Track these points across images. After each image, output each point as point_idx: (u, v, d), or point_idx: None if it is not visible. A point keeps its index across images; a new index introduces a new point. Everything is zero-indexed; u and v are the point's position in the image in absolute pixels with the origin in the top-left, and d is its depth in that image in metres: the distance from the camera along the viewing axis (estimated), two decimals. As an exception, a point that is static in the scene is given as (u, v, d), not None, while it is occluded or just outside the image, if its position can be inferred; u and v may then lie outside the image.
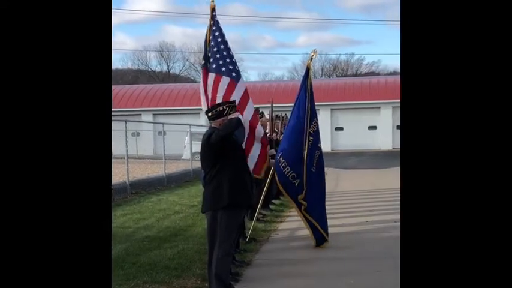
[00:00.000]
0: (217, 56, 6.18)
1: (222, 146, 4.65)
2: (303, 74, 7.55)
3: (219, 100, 5.81)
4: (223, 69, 6.14)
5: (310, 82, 7.01)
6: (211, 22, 6.28)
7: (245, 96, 6.24)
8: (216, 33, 6.24)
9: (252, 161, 6.31)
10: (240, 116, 4.87)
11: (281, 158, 6.83)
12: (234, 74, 6.17)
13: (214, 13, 6.29)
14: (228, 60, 6.19)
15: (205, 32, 6.36)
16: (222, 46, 6.22)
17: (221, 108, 4.83)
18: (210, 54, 6.17)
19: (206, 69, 6.16)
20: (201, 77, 6.30)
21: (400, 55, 2.78)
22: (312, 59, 7.21)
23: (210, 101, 5.97)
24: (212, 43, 6.20)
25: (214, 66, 6.11)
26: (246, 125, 6.10)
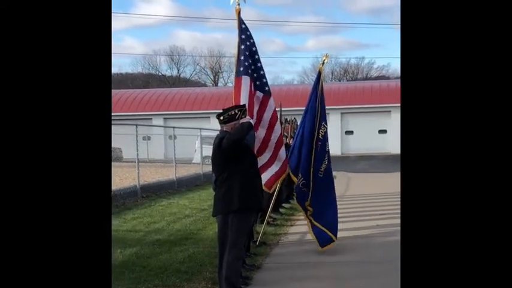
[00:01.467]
0: (250, 61, 6.24)
1: (234, 150, 4.67)
2: (313, 78, 7.55)
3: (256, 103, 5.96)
4: (255, 75, 6.24)
5: (322, 86, 7.01)
6: (242, 26, 6.29)
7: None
8: (248, 42, 6.27)
9: (269, 173, 6.40)
10: (251, 120, 4.90)
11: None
12: (249, 71, 6.23)
13: (240, 17, 6.29)
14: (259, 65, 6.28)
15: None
16: (253, 49, 6.29)
17: (233, 112, 4.85)
18: (242, 58, 6.20)
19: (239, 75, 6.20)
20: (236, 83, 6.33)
21: (400, 59, 2.79)
22: (323, 63, 7.20)
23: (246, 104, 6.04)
24: (243, 47, 6.24)
25: (241, 69, 6.18)
26: (266, 125, 6.21)
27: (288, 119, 10.84)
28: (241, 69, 6.12)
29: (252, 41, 6.28)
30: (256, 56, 6.30)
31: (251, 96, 6.05)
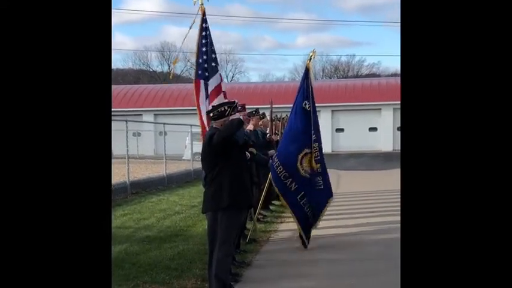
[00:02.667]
0: (199, 61, 6.26)
1: (224, 146, 4.64)
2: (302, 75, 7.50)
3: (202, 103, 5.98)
4: (200, 72, 6.27)
5: (311, 82, 6.98)
6: (204, 25, 6.27)
7: (217, 89, 6.31)
8: (205, 46, 6.27)
9: None
10: (241, 116, 4.88)
11: (275, 157, 6.84)
12: (206, 74, 6.24)
13: (205, 17, 6.26)
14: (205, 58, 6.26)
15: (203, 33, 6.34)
16: (206, 49, 6.28)
17: (223, 109, 4.82)
18: (200, 61, 6.24)
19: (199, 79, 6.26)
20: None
21: (400, 56, 2.78)
22: (311, 59, 7.18)
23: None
24: (204, 49, 6.24)
25: (200, 72, 6.23)
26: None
27: (279, 116, 10.82)
28: (200, 72, 6.17)
29: (209, 40, 6.27)
30: (213, 55, 6.31)
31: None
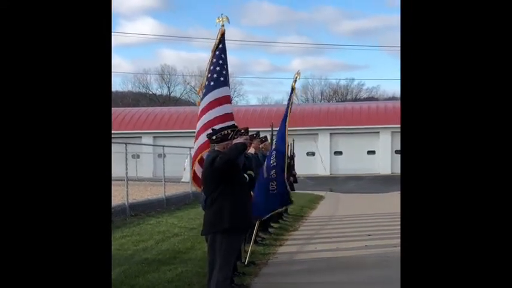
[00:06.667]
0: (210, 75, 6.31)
1: (227, 169, 4.68)
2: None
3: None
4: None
5: (291, 102, 7.32)
6: (219, 46, 6.32)
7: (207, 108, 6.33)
8: (216, 60, 6.31)
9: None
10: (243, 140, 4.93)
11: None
12: (212, 83, 6.28)
13: (223, 38, 6.31)
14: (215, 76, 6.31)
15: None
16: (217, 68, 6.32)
17: (225, 132, 4.88)
18: (205, 89, 6.30)
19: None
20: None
21: (400, 80, 2.84)
22: (296, 80, 7.42)
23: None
24: (211, 67, 6.29)
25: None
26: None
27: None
28: (211, 83, 6.24)
29: (221, 62, 6.30)
30: (224, 72, 6.34)
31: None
